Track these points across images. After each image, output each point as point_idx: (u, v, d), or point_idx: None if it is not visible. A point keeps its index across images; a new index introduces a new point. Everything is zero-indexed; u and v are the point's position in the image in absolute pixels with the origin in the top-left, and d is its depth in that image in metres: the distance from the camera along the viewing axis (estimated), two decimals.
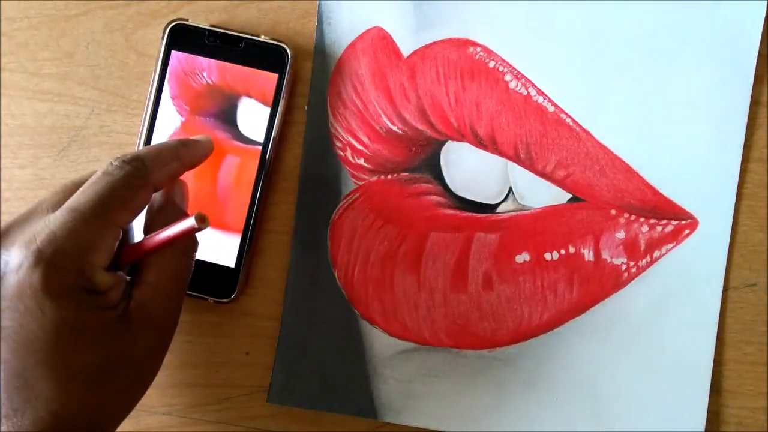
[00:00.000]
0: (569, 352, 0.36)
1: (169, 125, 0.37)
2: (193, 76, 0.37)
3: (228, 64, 0.37)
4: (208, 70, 0.37)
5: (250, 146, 0.37)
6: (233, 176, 0.37)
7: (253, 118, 0.37)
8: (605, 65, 0.36)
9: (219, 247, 0.37)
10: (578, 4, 0.36)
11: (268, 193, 0.38)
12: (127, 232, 0.34)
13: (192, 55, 0.37)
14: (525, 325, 0.36)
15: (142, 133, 0.38)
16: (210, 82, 0.37)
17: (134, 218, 0.32)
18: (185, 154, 0.34)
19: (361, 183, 0.37)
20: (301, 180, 0.38)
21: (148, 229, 0.33)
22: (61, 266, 0.29)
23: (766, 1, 0.36)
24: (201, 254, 0.37)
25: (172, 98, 0.37)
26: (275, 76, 0.37)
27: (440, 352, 0.37)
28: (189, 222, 0.30)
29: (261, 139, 0.37)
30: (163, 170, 0.32)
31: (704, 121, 0.36)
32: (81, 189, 0.31)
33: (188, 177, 0.37)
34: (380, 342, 0.37)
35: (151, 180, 0.32)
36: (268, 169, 0.37)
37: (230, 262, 0.37)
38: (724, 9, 0.36)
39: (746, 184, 0.36)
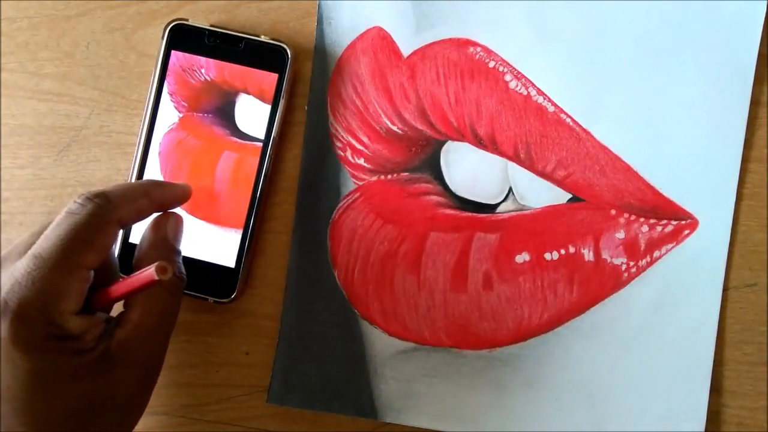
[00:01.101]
0: (569, 352, 0.36)
1: (167, 123, 0.37)
2: (191, 73, 0.37)
3: (228, 64, 0.37)
4: (207, 66, 0.37)
5: (248, 142, 0.37)
6: (231, 172, 0.37)
7: (251, 115, 0.37)
8: (605, 65, 0.36)
9: (219, 247, 0.37)
10: (578, 4, 0.36)
11: (268, 193, 0.38)
12: (110, 267, 0.33)
13: (192, 55, 0.37)
14: (525, 325, 0.36)
15: (142, 133, 0.38)
16: (208, 78, 0.37)
17: (102, 258, 0.30)
18: (156, 191, 0.33)
19: (361, 183, 0.37)
20: (301, 180, 0.38)
21: (138, 265, 0.33)
22: (27, 317, 0.28)
23: (766, 1, 0.36)
24: (201, 254, 0.37)
25: (171, 94, 0.37)
26: (275, 76, 0.37)
27: (440, 352, 0.37)
28: (148, 273, 0.29)
29: (259, 135, 0.37)
30: (130, 206, 0.31)
31: (704, 121, 0.36)
32: (45, 233, 0.30)
33: (186, 173, 0.37)
34: (380, 342, 0.37)
35: (116, 216, 0.30)
36: (268, 169, 0.37)
37: (230, 262, 0.37)
38: (724, 9, 0.36)
39: (746, 184, 0.36)
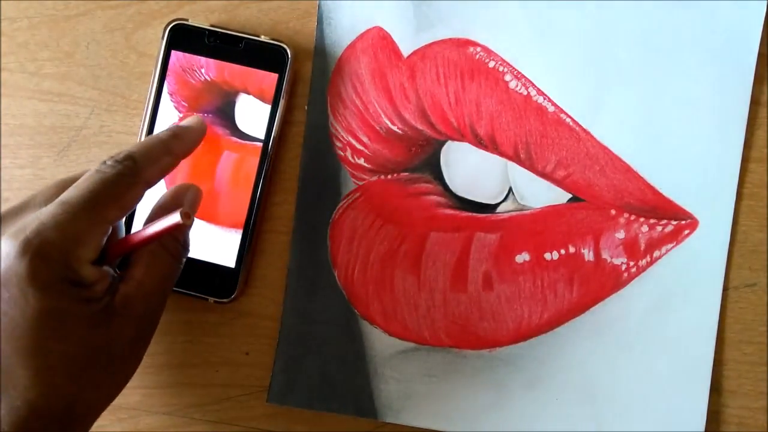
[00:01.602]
0: (569, 352, 0.36)
1: (167, 123, 0.37)
2: (191, 73, 0.37)
3: (228, 64, 0.37)
4: (207, 66, 0.37)
5: (248, 142, 0.37)
6: (231, 172, 0.37)
7: (251, 115, 0.37)
8: (605, 65, 0.36)
9: (219, 247, 0.37)
10: (578, 4, 0.36)
11: (268, 193, 0.38)
12: (116, 229, 0.34)
13: (192, 55, 0.37)
14: (525, 325, 0.36)
15: (142, 133, 0.38)
16: (208, 78, 0.37)
17: (125, 215, 0.32)
18: (177, 146, 0.34)
19: (361, 183, 0.37)
20: (301, 180, 0.38)
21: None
22: (48, 257, 0.29)
23: (766, 1, 0.36)
24: (201, 254, 0.37)
25: (171, 94, 0.37)
26: (275, 76, 0.37)
27: (440, 352, 0.37)
28: (174, 218, 0.31)
29: (259, 135, 0.37)
30: (155, 166, 0.33)
31: (704, 121, 0.36)
32: (75, 184, 0.31)
33: (186, 173, 0.37)
34: (380, 342, 0.37)
35: (143, 178, 0.32)
36: (268, 169, 0.37)
37: (230, 262, 0.37)
38: (724, 9, 0.36)
39: (746, 184, 0.36)
